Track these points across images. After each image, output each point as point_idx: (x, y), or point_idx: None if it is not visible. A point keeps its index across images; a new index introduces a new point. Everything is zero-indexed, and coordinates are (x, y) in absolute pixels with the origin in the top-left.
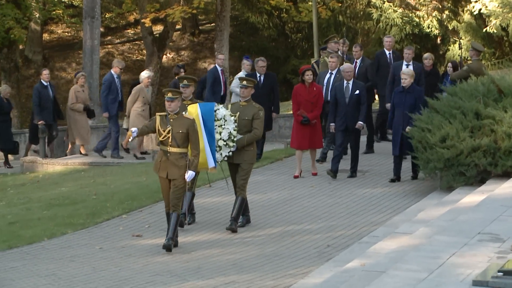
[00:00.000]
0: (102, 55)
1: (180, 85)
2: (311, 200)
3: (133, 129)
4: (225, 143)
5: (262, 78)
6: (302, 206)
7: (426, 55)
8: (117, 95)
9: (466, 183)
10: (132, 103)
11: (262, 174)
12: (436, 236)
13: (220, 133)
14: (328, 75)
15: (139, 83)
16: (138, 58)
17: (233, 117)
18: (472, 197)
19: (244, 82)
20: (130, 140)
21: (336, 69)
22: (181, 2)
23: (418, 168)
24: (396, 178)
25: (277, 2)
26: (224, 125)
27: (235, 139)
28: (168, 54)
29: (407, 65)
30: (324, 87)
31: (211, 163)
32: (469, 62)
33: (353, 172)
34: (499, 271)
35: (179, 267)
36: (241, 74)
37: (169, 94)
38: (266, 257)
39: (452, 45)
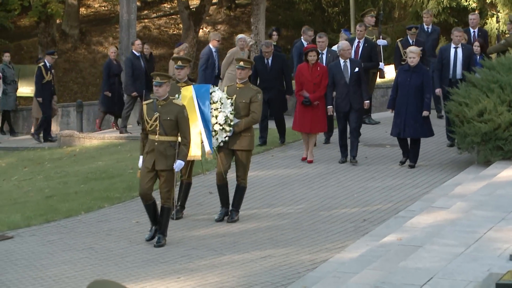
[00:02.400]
0: (138, 29)
1: (175, 66)
2: (347, 175)
3: (140, 163)
4: (221, 127)
5: (270, 61)
6: (338, 180)
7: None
8: (214, 69)
9: (503, 157)
10: (227, 66)
11: (298, 149)
12: (473, 210)
13: (216, 117)
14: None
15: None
16: (174, 32)
17: (229, 100)
18: (509, 172)
19: (241, 63)
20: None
21: (326, 49)
22: None
23: (455, 142)
24: (404, 161)
25: None
26: (221, 108)
27: (232, 123)
28: (204, 28)
29: (455, 48)
30: None
31: (207, 148)
32: (506, 35)
33: (354, 157)
34: None
35: (215, 241)
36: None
37: (157, 78)
38: (302, 231)
39: (490, 19)
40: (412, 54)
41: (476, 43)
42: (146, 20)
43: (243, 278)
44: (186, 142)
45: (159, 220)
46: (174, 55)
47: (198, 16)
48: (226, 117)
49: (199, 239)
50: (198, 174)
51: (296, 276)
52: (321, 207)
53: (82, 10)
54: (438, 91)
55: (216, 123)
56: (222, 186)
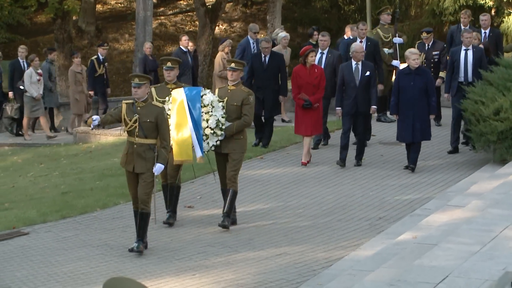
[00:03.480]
0: (154, 26)
1: (164, 67)
2: (362, 172)
3: (95, 117)
4: (212, 131)
5: (267, 59)
6: (353, 178)
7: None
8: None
9: None
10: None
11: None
12: (489, 209)
13: (207, 121)
14: (319, 55)
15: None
16: (190, 29)
17: (221, 103)
18: None
19: (233, 65)
20: (91, 128)
21: (327, 49)
22: None
23: (471, 140)
24: (411, 166)
25: None
26: (212, 111)
27: (223, 126)
28: (220, 26)
29: (466, 50)
30: None
31: (198, 153)
32: None
33: (359, 160)
34: None
35: (230, 238)
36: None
37: (136, 80)
38: (317, 228)
39: (506, 17)
40: (414, 55)
41: (481, 46)
42: (162, 17)
43: (258, 276)
44: (166, 145)
45: (138, 226)
46: (220, 53)
47: (214, 13)
48: (218, 121)
49: (214, 236)
50: (214, 170)
51: (311, 274)
52: (336, 205)
53: (98, 7)
54: (446, 96)
55: (207, 127)
56: (223, 191)
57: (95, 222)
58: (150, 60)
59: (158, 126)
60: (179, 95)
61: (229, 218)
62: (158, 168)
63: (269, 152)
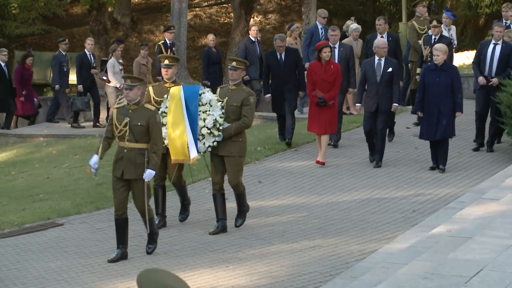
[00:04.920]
0: (189, 18)
1: (161, 65)
2: (397, 165)
3: (92, 162)
4: (209, 131)
5: (282, 56)
6: (387, 171)
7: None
8: None
9: None
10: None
11: (348, 138)
12: None
13: (204, 120)
14: (336, 49)
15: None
16: (225, 21)
17: (220, 103)
18: None
19: (234, 63)
20: (95, 177)
21: (338, 43)
22: None
23: (508, 134)
24: (435, 166)
25: None
26: (209, 111)
27: (221, 127)
28: (255, 17)
29: (495, 44)
30: None
31: (193, 153)
32: None
33: (379, 161)
34: None
35: (264, 230)
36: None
37: (128, 81)
38: (351, 221)
39: None
40: (437, 51)
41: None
42: (197, 9)
43: (292, 268)
44: (157, 150)
45: (150, 232)
46: (288, 38)
47: (249, 5)
48: (215, 121)
49: (248, 228)
50: (248, 163)
51: (344, 267)
52: (370, 198)
53: None
54: (481, 79)
55: (204, 126)
56: (215, 196)
57: (129, 213)
58: (213, 52)
59: (149, 130)
60: (177, 93)
61: (243, 218)
62: (148, 174)
63: (303, 144)
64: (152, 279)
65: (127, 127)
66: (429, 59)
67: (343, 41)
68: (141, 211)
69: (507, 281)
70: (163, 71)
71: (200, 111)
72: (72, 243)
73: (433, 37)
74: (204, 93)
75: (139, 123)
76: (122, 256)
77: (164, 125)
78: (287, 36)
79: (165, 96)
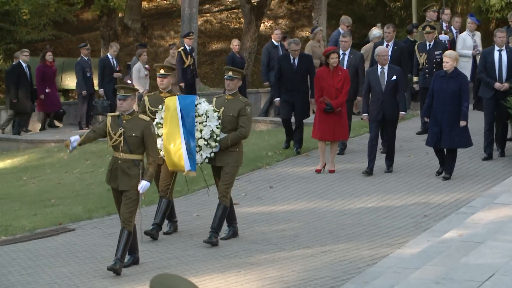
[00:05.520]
0: (200, 23)
1: (157, 74)
2: (408, 170)
3: (73, 138)
4: (206, 142)
5: (296, 61)
6: (398, 176)
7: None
8: None
9: None
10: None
11: (358, 143)
12: None
13: (201, 131)
14: (340, 56)
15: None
16: (236, 26)
17: (216, 113)
18: None
19: (230, 73)
20: (69, 151)
21: (349, 49)
22: None
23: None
24: (441, 172)
25: None
26: (206, 121)
27: (218, 138)
28: (265, 23)
29: (500, 51)
30: None
31: (187, 166)
32: None
33: (390, 166)
34: None
35: (275, 235)
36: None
37: (121, 92)
38: (362, 226)
39: None
40: (446, 58)
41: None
42: (207, 14)
43: (303, 273)
44: (152, 161)
45: (118, 244)
46: (311, 41)
47: (259, 10)
48: (212, 132)
49: (259, 234)
50: (259, 168)
51: (356, 271)
52: (381, 203)
53: (144, 4)
54: (498, 84)
55: (201, 137)
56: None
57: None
58: (238, 57)
59: (144, 141)
60: (172, 104)
61: (217, 234)
62: (144, 185)
63: (314, 149)
64: (164, 284)
65: (122, 137)
66: (426, 65)
67: (365, 46)
68: (126, 219)
69: None
70: (158, 80)
71: (196, 122)
72: (83, 248)
73: (427, 43)
74: (200, 103)
75: (133, 134)
76: (134, 261)
77: (160, 136)
78: (310, 39)
79: (160, 106)
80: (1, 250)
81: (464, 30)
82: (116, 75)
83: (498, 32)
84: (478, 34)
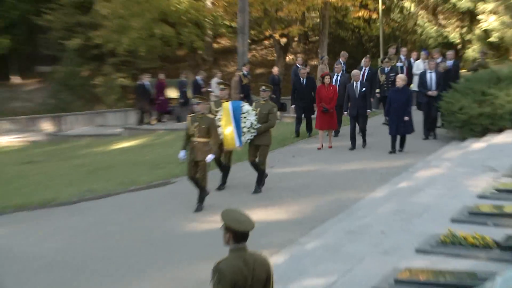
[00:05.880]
0: (249, 56)
1: (219, 88)
2: (376, 147)
3: (180, 155)
4: (248, 129)
5: (304, 81)
6: (370, 150)
7: (446, 61)
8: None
9: (474, 136)
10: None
11: (347, 130)
12: (455, 168)
13: (244, 122)
14: (335, 77)
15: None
16: (270, 58)
17: (254, 112)
18: (478, 144)
19: (263, 87)
20: (182, 160)
21: (341, 72)
22: (298, 23)
23: (441, 126)
24: (393, 151)
25: (358, 23)
26: (247, 117)
27: (255, 127)
28: (289, 56)
29: (430, 73)
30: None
31: (237, 144)
32: (478, 60)
33: (364, 144)
34: (495, 189)
35: (295, 184)
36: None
37: (197, 99)
38: (349, 180)
39: (467, 50)
40: (398, 79)
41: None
42: (254, 51)
43: (314, 207)
44: (215, 142)
45: (199, 195)
46: (321, 65)
47: (285, 48)
48: (251, 123)
49: (286, 184)
50: (285, 145)
51: (345, 206)
52: (360, 166)
53: (215, 45)
54: (431, 92)
55: (245, 126)
56: (252, 164)
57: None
58: (276, 77)
59: (209, 130)
60: (226, 106)
61: (259, 186)
62: (210, 157)
63: (317, 134)
64: (231, 214)
65: (197, 128)
66: (384, 83)
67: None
68: (202, 180)
69: (445, 215)
70: (220, 92)
71: (242, 117)
72: (181, 194)
73: (386, 68)
74: (244, 106)
75: (204, 126)
76: (198, 209)
77: (219, 126)
78: (319, 64)
79: (219, 108)
80: (128, 195)
81: (419, 59)
82: (203, 90)
83: (430, 61)
84: (427, 61)
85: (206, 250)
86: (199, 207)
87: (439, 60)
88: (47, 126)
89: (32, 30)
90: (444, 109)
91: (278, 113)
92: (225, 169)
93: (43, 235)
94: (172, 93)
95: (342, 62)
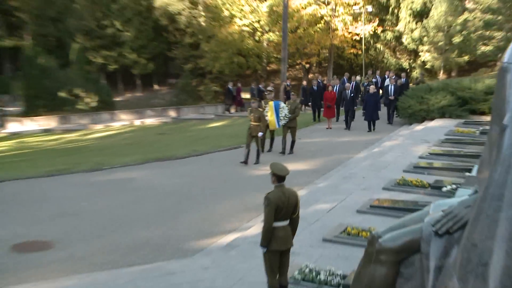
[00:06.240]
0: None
1: (267, 93)
2: (359, 128)
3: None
4: (283, 117)
5: (316, 88)
6: (355, 131)
7: (401, 79)
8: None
9: (417, 122)
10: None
11: (342, 119)
12: (405, 140)
13: (281, 113)
14: (335, 86)
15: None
16: (299, 76)
17: (287, 107)
18: (419, 127)
19: (292, 93)
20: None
21: (338, 84)
22: (315, 56)
23: (397, 116)
24: (369, 130)
25: (350, 56)
26: (283, 110)
27: (287, 116)
28: (310, 75)
29: (391, 85)
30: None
31: (277, 125)
32: (419, 78)
33: (349, 127)
34: (428, 153)
35: (312, 150)
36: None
37: (252, 100)
38: (343, 147)
39: (413, 72)
40: (371, 88)
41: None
42: (290, 71)
43: (321, 164)
44: (262, 125)
45: (257, 154)
46: (313, 81)
47: (308, 69)
48: (285, 114)
49: (306, 148)
50: (307, 126)
51: (340, 163)
52: (350, 139)
53: (267, 68)
54: (391, 97)
55: (281, 115)
56: (284, 138)
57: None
58: (305, 87)
59: (260, 118)
60: (271, 104)
61: (290, 150)
62: (260, 134)
63: (324, 121)
64: (277, 166)
65: (252, 116)
66: (366, 91)
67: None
68: (258, 144)
69: (400, 168)
70: (267, 95)
71: (280, 110)
72: (233, 157)
73: (365, 83)
74: (280, 103)
75: (256, 115)
76: (248, 161)
77: (267, 115)
78: (329, 81)
79: (267, 104)
80: (217, 154)
81: (385, 78)
82: (265, 93)
83: (391, 79)
84: (389, 78)
85: (261, 185)
86: (257, 161)
87: (396, 78)
88: (172, 113)
89: (166, 59)
90: (400, 106)
91: (302, 107)
92: (269, 142)
93: (170, 175)
94: (245, 95)
95: (345, 79)
